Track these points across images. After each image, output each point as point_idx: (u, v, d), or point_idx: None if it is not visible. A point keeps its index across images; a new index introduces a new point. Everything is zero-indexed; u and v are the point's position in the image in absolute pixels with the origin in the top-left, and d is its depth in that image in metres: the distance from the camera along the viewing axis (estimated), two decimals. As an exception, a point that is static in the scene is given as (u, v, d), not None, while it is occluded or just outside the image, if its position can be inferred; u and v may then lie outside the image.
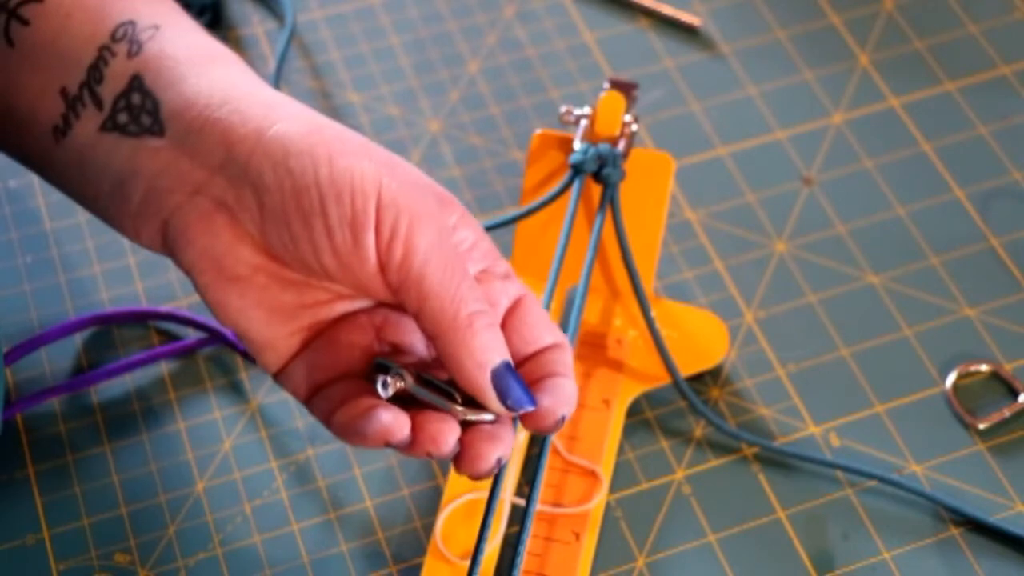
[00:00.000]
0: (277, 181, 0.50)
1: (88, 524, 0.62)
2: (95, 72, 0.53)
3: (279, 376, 0.53)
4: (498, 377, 0.50)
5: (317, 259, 0.50)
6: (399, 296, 0.50)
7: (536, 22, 0.79)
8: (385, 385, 0.50)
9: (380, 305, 0.53)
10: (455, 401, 0.50)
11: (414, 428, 0.49)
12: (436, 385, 0.51)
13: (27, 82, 0.54)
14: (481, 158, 0.74)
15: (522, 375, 0.51)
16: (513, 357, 0.51)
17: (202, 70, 0.53)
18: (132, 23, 0.53)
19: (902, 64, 0.78)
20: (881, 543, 0.62)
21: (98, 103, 0.53)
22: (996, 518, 0.62)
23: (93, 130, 0.53)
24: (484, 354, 0.49)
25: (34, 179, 0.73)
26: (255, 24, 0.79)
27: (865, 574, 0.61)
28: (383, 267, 0.50)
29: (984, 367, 0.66)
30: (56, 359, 0.66)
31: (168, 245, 0.52)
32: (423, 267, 0.49)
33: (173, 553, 0.61)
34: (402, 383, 0.50)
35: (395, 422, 0.49)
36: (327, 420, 0.51)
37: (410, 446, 0.50)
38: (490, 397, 0.50)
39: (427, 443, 0.49)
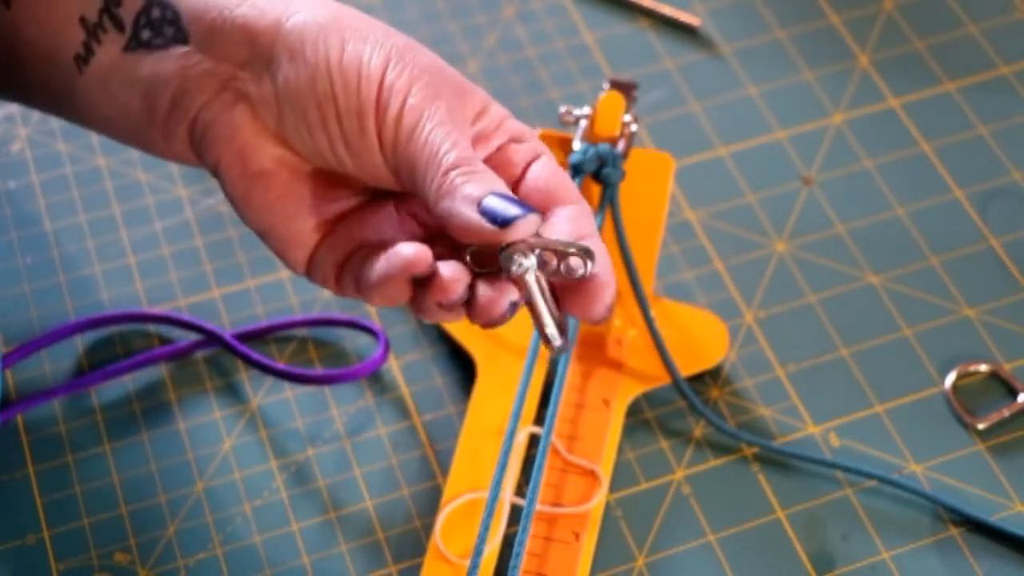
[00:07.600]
0: (294, 70, 0.50)
1: (88, 524, 0.62)
2: None
3: (310, 271, 0.53)
4: (488, 205, 0.48)
5: (331, 148, 0.51)
6: (397, 177, 0.50)
7: (536, 22, 0.79)
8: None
9: (398, 197, 0.53)
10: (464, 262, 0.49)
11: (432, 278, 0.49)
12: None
13: (46, 16, 0.54)
14: (481, 158, 0.74)
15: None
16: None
17: None
18: None
19: (902, 64, 0.78)
20: (881, 543, 0.62)
21: (119, 25, 0.53)
22: (996, 518, 0.62)
23: (116, 53, 0.53)
24: (474, 190, 0.48)
25: (34, 179, 0.73)
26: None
27: (865, 574, 0.61)
28: (383, 151, 0.50)
29: (984, 367, 0.66)
30: (56, 360, 0.67)
31: (196, 146, 0.53)
32: (411, 133, 0.49)
33: (173, 553, 0.61)
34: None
35: (418, 252, 0.48)
36: (357, 286, 0.51)
37: (425, 294, 0.49)
38: (484, 226, 0.47)
39: (438, 292, 0.48)
